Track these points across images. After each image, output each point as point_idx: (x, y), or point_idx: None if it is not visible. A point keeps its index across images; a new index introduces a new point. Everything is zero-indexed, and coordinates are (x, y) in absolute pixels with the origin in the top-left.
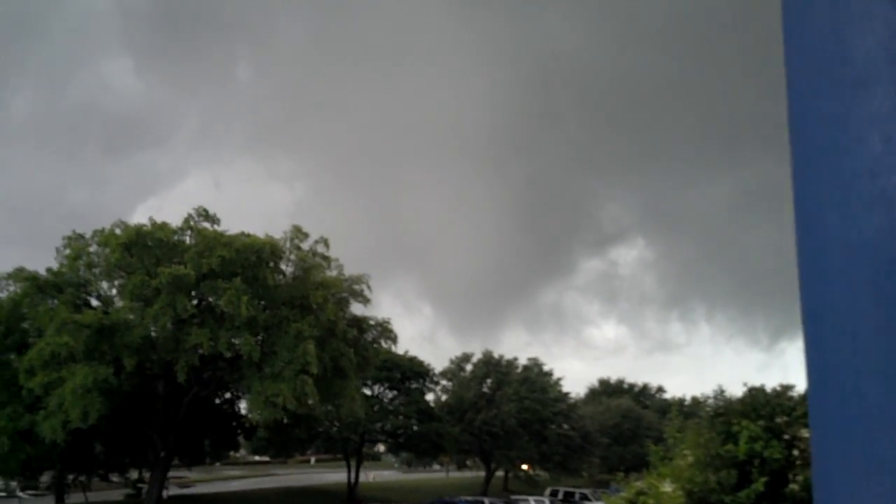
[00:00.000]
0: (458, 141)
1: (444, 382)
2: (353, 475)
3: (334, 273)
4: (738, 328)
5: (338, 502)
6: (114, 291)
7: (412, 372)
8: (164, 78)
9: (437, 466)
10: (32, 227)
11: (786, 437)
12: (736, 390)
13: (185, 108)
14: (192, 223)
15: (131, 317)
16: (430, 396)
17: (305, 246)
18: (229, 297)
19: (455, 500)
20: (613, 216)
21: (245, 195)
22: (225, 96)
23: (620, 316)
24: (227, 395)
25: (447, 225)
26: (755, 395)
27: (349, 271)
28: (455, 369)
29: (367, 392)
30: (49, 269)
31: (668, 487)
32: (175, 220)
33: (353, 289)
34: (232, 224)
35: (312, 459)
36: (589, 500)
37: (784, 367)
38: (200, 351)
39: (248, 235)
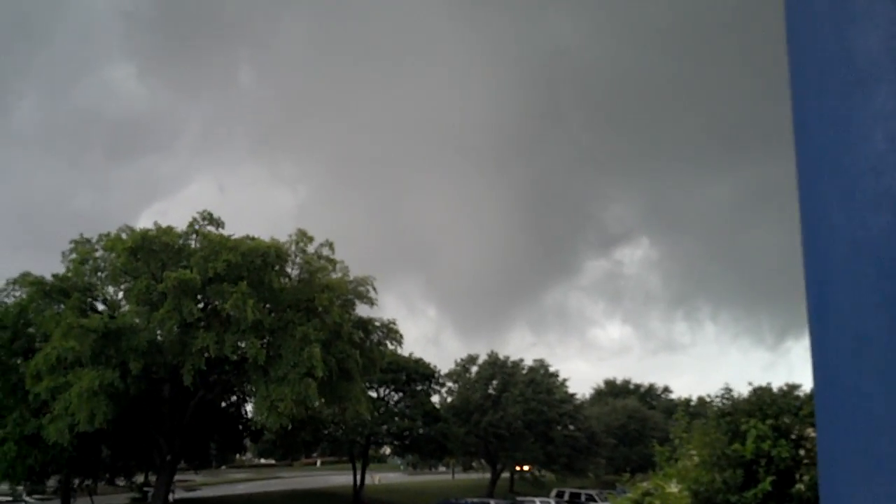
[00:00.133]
0: (462, 142)
1: (449, 384)
2: (358, 477)
3: (339, 275)
4: (744, 327)
5: None
6: (120, 296)
7: (418, 374)
8: (167, 83)
9: (442, 468)
10: (37, 233)
11: (792, 436)
12: (741, 390)
13: (188, 113)
14: (196, 227)
15: (137, 321)
16: (435, 398)
17: (310, 249)
18: (235, 301)
19: (461, 502)
20: (618, 216)
21: (249, 199)
22: (228, 100)
23: (625, 316)
24: (234, 399)
25: (451, 226)
26: (762, 395)
27: (353, 273)
28: (460, 371)
29: (373, 394)
30: (55, 275)
31: (674, 488)
32: (180, 225)
33: (359, 290)
34: (236, 228)
35: (318, 462)
36: (595, 501)
37: (789, 366)
38: (206, 354)
39: (253, 239)
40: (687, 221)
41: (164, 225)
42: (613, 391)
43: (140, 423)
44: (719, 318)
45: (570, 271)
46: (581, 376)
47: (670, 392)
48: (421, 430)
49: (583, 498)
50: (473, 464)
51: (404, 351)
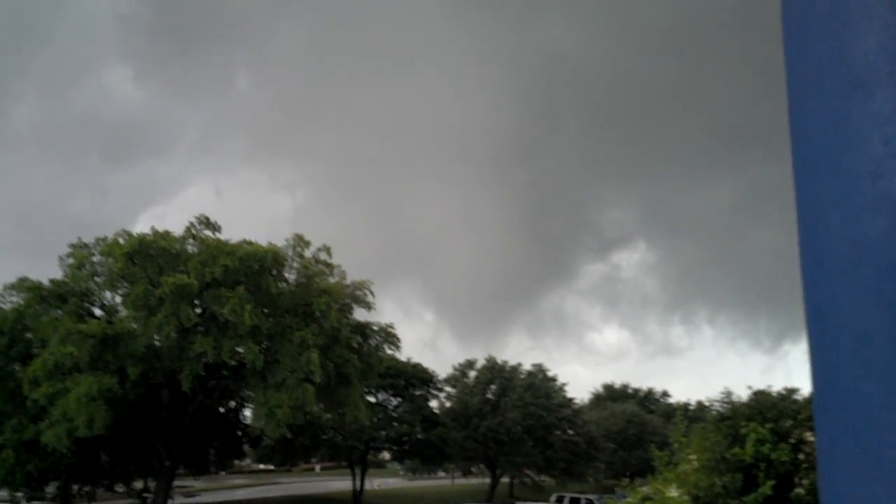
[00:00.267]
0: (459, 145)
1: (448, 389)
2: (358, 483)
3: (336, 280)
4: (741, 331)
5: None
6: (117, 301)
7: (416, 379)
8: (165, 86)
9: (442, 473)
10: (34, 237)
11: (792, 440)
12: (740, 394)
13: (186, 117)
14: (194, 232)
15: (135, 326)
16: (434, 403)
17: (308, 253)
18: (232, 306)
19: None
20: (615, 220)
21: (246, 203)
22: (225, 104)
23: (622, 320)
24: (232, 404)
25: (448, 230)
26: (761, 399)
27: (351, 278)
28: (459, 376)
29: (372, 399)
30: (52, 280)
31: (673, 492)
32: (177, 229)
33: (356, 295)
34: (234, 232)
35: (317, 467)
36: None
37: (788, 369)
38: (205, 360)
39: (251, 244)
40: (684, 225)
41: (161, 229)
42: (612, 396)
43: (139, 428)
44: (717, 322)
45: (568, 275)
46: (579, 381)
47: (669, 396)
48: (420, 436)
49: (582, 502)
50: (473, 469)
51: (402, 356)
